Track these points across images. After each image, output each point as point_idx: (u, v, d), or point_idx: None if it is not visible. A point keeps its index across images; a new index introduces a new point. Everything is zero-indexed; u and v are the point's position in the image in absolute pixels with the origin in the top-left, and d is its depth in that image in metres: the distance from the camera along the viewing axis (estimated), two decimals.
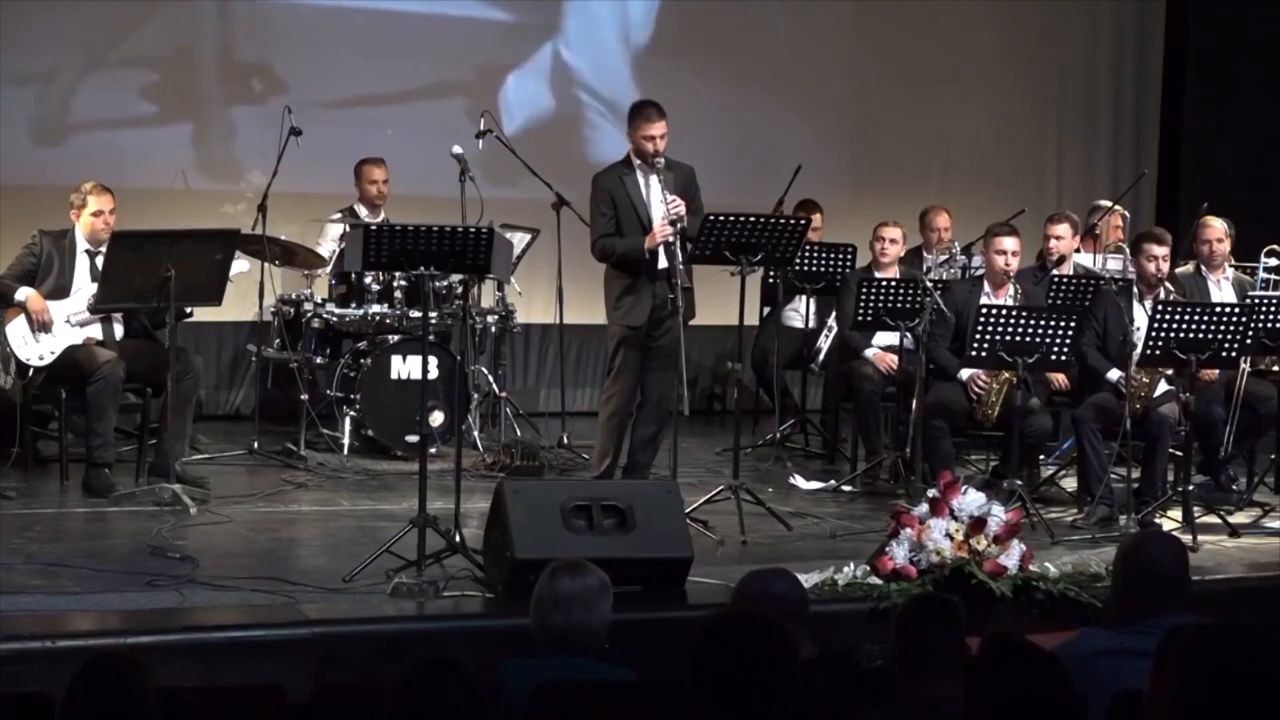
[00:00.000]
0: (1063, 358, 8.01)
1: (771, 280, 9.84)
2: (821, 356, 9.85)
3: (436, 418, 8.73)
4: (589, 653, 4.45)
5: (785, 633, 3.41)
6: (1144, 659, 3.38)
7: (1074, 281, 9.01)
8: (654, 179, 7.74)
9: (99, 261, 8.00)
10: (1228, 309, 7.97)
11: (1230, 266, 9.03)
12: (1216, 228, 8.91)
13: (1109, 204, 10.34)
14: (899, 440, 8.82)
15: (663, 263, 7.66)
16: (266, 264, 9.05)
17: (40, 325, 7.94)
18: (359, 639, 5.90)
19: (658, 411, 7.89)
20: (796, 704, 3.39)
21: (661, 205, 7.65)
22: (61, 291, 8.06)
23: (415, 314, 8.98)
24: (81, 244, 8.13)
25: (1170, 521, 7.91)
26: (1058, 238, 9.26)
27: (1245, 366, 8.51)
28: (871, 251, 9.59)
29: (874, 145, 12.07)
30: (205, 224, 8.84)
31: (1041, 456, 9.07)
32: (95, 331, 8.11)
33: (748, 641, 3.36)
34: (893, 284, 8.78)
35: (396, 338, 9.13)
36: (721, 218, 7.70)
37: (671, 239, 7.56)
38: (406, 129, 10.66)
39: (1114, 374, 8.17)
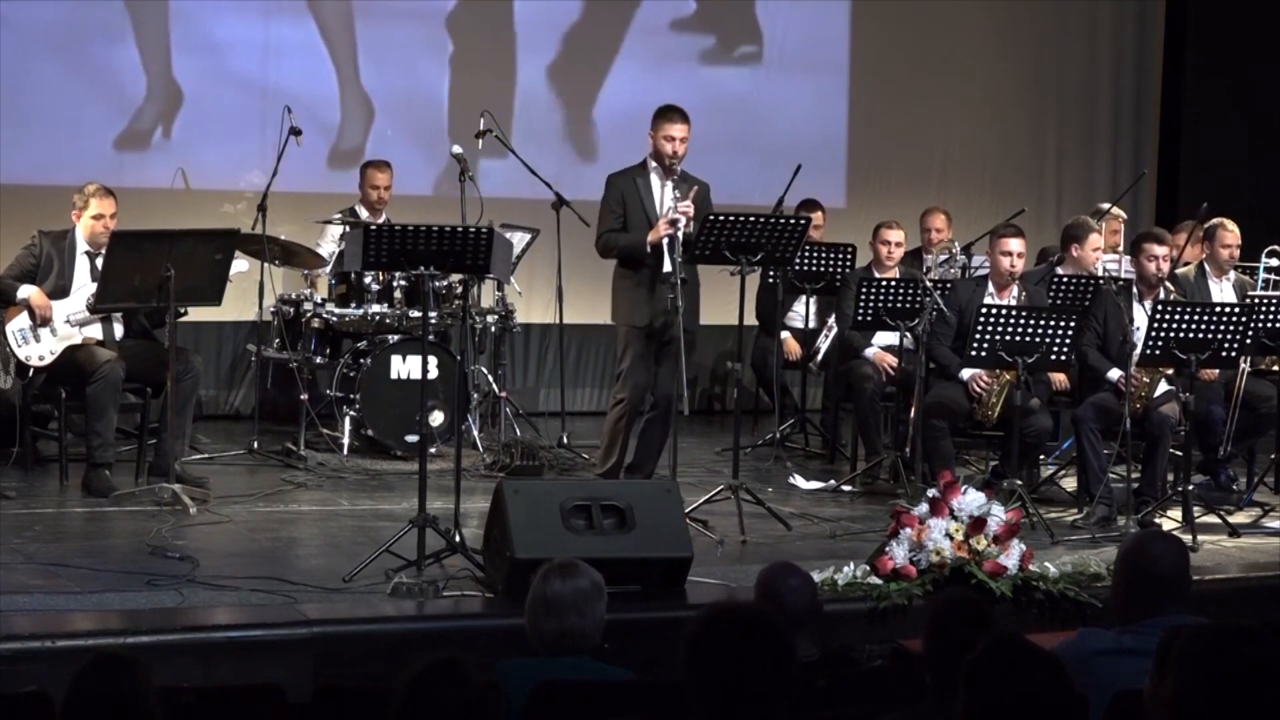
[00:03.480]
0: (1063, 358, 8.01)
1: (771, 280, 9.83)
2: (821, 356, 9.84)
3: (436, 418, 8.73)
4: (585, 654, 4.45)
5: (776, 626, 3.40)
6: (1144, 659, 3.38)
7: (1074, 281, 9.01)
8: (668, 185, 7.75)
9: (99, 263, 7.99)
10: (1227, 309, 7.97)
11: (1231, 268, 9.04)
12: (1236, 233, 8.91)
13: (1116, 210, 10.33)
14: (899, 440, 8.82)
15: (666, 266, 7.67)
16: (266, 264, 9.05)
17: (42, 321, 7.94)
18: (359, 639, 5.90)
19: (666, 414, 7.88)
20: (795, 702, 3.38)
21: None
22: (61, 292, 8.06)
23: (415, 314, 8.98)
24: (81, 245, 8.12)
25: (1170, 521, 7.91)
26: (1097, 249, 9.21)
27: (1245, 366, 8.51)
28: (874, 252, 9.59)
29: (873, 145, 12.07)
30: (205, 224, 8.84)
31: (1041, 456, 9.07)
32: (95, 331, 8.11)
33: (739, 637, 3.36)
34: (893, 284, 8.78)
35: (396, 338, 9.12)
36: (721, 218, 7.70)
37: (674, 233, 7.54)
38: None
39: (1114, 374, 8.17)
